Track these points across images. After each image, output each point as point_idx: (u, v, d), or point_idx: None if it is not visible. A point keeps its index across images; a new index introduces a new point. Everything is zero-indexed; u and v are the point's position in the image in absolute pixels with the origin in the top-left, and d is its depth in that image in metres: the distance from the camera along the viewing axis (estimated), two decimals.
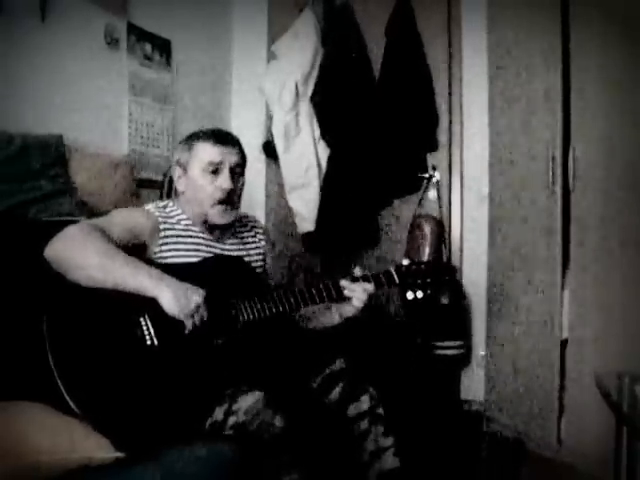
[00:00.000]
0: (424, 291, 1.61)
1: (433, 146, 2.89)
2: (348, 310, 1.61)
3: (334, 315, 1.65)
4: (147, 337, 1.40)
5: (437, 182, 2.88)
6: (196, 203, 1.62)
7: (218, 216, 1.61)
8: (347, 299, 1.58)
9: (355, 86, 2.88)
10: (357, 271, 1.62)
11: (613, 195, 2.11)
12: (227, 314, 1.48)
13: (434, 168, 2.89)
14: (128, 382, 1.34)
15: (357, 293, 1.57)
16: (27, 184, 1.82)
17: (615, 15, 2.07)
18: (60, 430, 1.24)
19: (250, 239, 1.77)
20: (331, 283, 1.58)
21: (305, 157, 2.90)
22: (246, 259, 1.70)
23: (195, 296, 1.40)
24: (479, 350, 2.74)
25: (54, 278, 1.40)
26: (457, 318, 2.71)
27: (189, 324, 1.39)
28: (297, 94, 2.87)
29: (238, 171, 1.64)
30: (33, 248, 1.45)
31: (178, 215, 1.65)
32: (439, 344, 2.67)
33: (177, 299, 1.37)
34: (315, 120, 2.92)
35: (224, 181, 1.59)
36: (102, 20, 2.29)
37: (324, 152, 2.93)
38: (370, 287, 1.58)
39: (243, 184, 1.67)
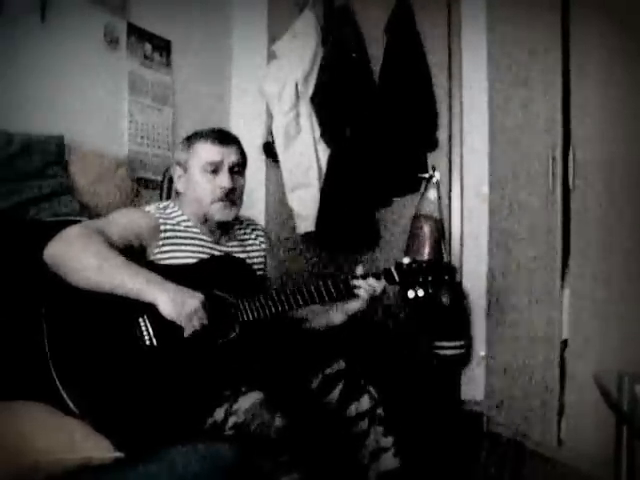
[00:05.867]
0: (425, 289, 1.61)
1: (433, 146, 2.89)
2: (353, 306, 1.61)
3: (335, 314, 1.65)
4: (146, 337, 1.40)
5: (437, 182, 2.88)
6: (196, 202, 1.63)
7: (219, 213, 1.61)
8: (353, 296, 1.59)
9: (355, 86, 2.88)
10: (359, 269, 1.62)
11: (613, 195, 2.11)
12: (226, 314, 1.48)
13: (434, 168, 2.89)
14: (127, 382, 1.34)
15: (362, 289, 1.58)
16: (27, 184, 1.82)
17: (615, 15, 2.07)
18: (60, 430, 1.24)
19: (250, 241, 1.77)
20: (330, 281, 1.58)
21: (305, 157, 2.90)
22: (248, 261, 1.70)
23: (193, 300, 1.39)
24: (479, 350, 2.74)
25: (53, 278, 1.40)
26: (457, 318, 2.71)
27: (188, 328, 1.39)
28: (297, 94, 2.87)
29: (237, 170, 1.64)
30: (33, 248, 1.44)
31: (178, 216, 1.64)
32: (439, 344, 2.67)
33: (175, 304, 1.37)
34: (315, 120, 2.92)
35: (223, 180, 1.59)
36: (102, 20, 2.28)
37: (324, 152, 2.93)
38: (376, 283, 1.58)
39: (243, 183, 1.67)
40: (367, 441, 1.56)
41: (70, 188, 1.95)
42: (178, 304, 1.38)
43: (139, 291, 1.38)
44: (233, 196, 1.62)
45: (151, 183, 2.46)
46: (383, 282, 1.60)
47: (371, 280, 1.59)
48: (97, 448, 1.24)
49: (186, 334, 1.39)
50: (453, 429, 2.47)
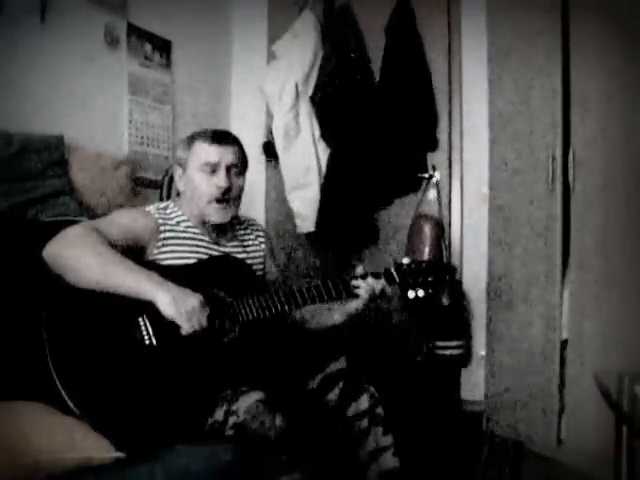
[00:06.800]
0: (425, 290, 1.61)
1: (433, 146, 2.89)
2: (353, 306, 1.61)
3: (335, 314, 1.65)
4: (145, 337, 1.40)
5: (437, 182, 2.88)
6: (194, 202, 1.63)
7: (215, 214, 1.61)
8: (353, 296, 1.58)
9: (355, 86, 2.88)
10: (359, 269, 1.62)
11: (613, 195, 2.11)
12: (226, 314, 1.48)
13: (434, 168, 2.89)
14: (127, 382, 1.34)
15: (362, 289, 1.57)
16: (27, 184, 1.82)
17: (615, 15, 2.07)
18: (60, 430, 1.24)
19: (250, 241, 1.77)
20: (330, 281, 1.58)
21: (305, 157, 2.90)
22: (248, 261, 1.70)
23: (192, 300, 1.40)
24: (479, 350, 2.74)
25: (53, 278, 1.40)
26: (457, 318, 2.71)
27: (187, 328, 1.39)
28: (297, 94, 2.87)
29: (235, 170, 1.64)
30: (33, 248, 1.45)
31: (178, 217, 1.65)
32: (439, 344, 2.66)
33: (174, 303, 1.37)
34: (315, 120, 2.92)
35: (220, 180, 1.60)
36: (102, 20, 2.29)
37: (324, 152, 2.93)
38: (376, 283, 1.58)
39: (243, 184, 1.67)
40: (367, 440, 1.56)
41: (70, 188, 1.95)
42: (178, 303, 1.38)
43: (139, 290, 1.39)
44: (230, 196, 1.62)
45: (151, 183, 2.47)
46: (383, 282, 1.60)
47: (371, 280, 1.59)
48: (97, 448, 1.24)
49: (183, 333, 1.39)
50: (453, 429, 2.47)
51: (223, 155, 1.61)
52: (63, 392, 1.29)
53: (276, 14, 3.08)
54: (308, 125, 2.90)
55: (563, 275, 2.29)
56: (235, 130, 1.78)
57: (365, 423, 1.57)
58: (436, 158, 2.90)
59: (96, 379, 1.32)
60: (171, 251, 1.58)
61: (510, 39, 2.51)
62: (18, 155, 1.81)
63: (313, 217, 2.91)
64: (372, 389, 1.61)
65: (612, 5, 2.08)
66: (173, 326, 1.39)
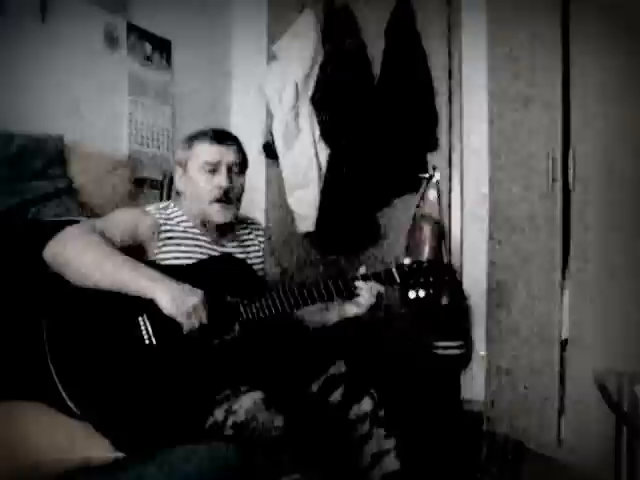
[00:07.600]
0: (426, 290, 1.60)
1: (433, 146, 2.89)
2: (351, 309, 1.60)
3: (332, 314, 1.65)
4: (146, 337, 1.40)
5: (437, 182, 2.88)
6: (195, 202, 1.63)
7: (216, 214, 1.61)
8: (353, 296, 1.58)
9: (355, 86, 2.88)
10: (361, 270, 1.61)
11: (613, 195, 2.11)
12: (226, 314, 1.48)
13: (434, 168, 2.89)
14: (127, 382, 1.34)
15: (364, 292, 1.57)
16: (27, 184, 1.82)
17: (615, 16, 2.07)
18: (60, 430, 1.24)
19: (250, 241, 1.77)
20: (330, 282, 1.58)
21: (305, 157, 2.90)
22: (248, 261, 1.70)
23: (193, 297, 1.40)
24: (479, 350, 2.74)
25: (54, 278, 1.40)
26: (457, 318, 2.71)
27: (187, 325, 1.39)
28: (297, 94, 2.87)
29: (236, 170, 1.64)
30: (33, 248, 1.45)
31: (178, 217, 1.64)
32: (439, 344, 2.66)
33: (175, 300, 1.37)
34: (315, 120, 2.92)
35: (221, 180, 1.59)
36: (102, 20, 2.29)
37: (324, 152, 2.93)
38: (377, 285, 1.57)
39: (243, 183, 1.67)
40: (369, 443, 1.55)
41: (70, 188, 1.95)
42: (178, 300, 1.38)
43: (139, 287, 1.39)
44: (231, 196, 1.62)
45: (151, 183, 2.47)
46: (381, 287, 1.59)
47: (371, 283, 1.58)
48: (97, 448, 1.24)
49: (184, 330, 1.39)
50: (453, 429, 2.47)
51: (224, 154, 1.61)
52: (63, 392, 1.29)
53: (276, 14, 3.08)
54: (308, 125, 2.90)
55: (563, 275, 2.29)
56: (235, 130, 1.77)
57: (367, 426, 1.56)
58: (436, 158, 2.90)
59: (96, 379, 1.32)
60: (171, 251, 1.58)
61: (510, 39, 2.52)
62: (18, 155, 1.81)
63: (313, 217, 2.91)
64: (373, 391, 1.61)
65: (612, 5, 2.08)
66: (173, 326, 1.39)
